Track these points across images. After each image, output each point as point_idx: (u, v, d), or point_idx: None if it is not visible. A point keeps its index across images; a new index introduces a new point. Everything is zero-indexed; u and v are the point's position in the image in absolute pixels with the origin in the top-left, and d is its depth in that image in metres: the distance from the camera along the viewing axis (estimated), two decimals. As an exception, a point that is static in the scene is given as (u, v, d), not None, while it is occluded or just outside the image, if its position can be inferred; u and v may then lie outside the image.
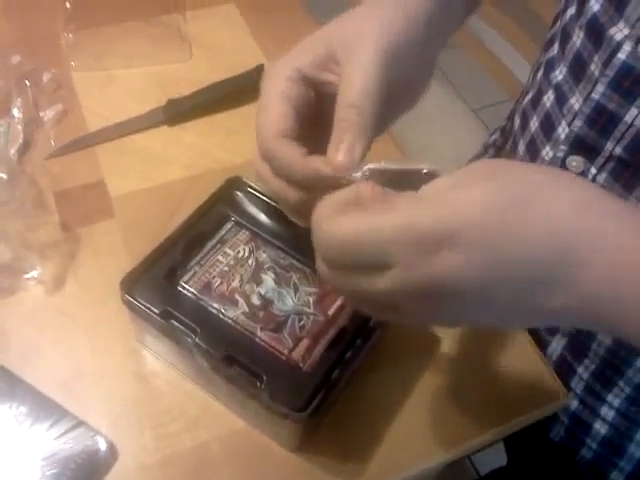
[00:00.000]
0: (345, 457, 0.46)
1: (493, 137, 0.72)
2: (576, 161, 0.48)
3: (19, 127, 0.61)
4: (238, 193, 0.52)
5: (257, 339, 0.44)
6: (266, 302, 0.46)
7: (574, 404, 0.55)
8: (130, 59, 0.69)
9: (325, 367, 0.43)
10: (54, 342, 0.49)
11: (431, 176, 0.34)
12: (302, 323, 0.45)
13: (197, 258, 0.47)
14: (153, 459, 0.45)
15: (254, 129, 0.40)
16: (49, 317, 0.50)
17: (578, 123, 0.47)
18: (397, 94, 0.39)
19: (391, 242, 0.30)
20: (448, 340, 0.52)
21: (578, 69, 0.48)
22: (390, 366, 0.50)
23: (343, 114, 0.36)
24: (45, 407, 0.45)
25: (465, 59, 0.93)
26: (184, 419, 0.46)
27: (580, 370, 0.53)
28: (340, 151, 0.36)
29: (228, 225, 0.50)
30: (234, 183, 0.52)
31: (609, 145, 0.45)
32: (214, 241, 0.49)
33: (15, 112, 0.62)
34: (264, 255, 0.48)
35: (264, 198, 0.51)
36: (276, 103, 0.37)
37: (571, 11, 0.50)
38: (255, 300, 0.46)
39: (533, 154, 0.54)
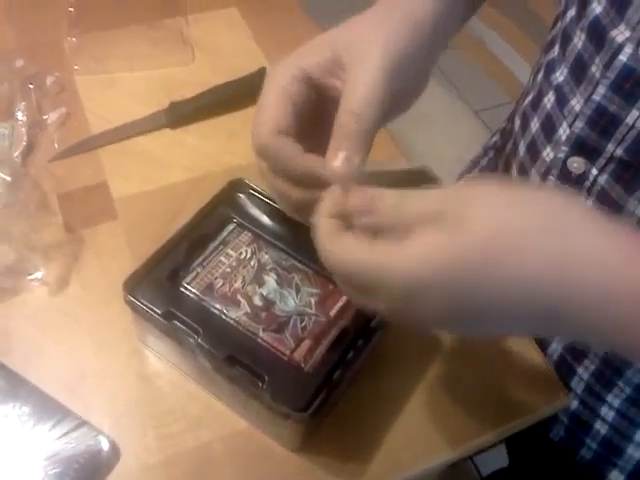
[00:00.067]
0: (346, 457, 0.46)
1: (493, 139, 0.72)
2: (577, 162, 0.49)
3: (23, 130, 0.61)
4: (240, 195, 0.52)
5: (259, 340, 0.44)
6: (268, 303, 0.46)
7: (574, 404, 0.55)
8: (133, 62, 0.70)
9: (327, 367, 0.44)
10: (57, 342, 0.50)
11: (422, 174, 0.35)
12: (304, 324, 0.45)
13: (199, 259, 0.48)
14: (155, 459, 0.45)
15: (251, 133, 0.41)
16: (52, 318, 0.51)
17: (579, 124, 0.47)
18: (397, 99, 0.39)
19: (372, 283, 0.32)
20: (449, 341, 0.52)
21: (579, 71, 0.48)
22: (391, 366, 0.50)
23: (344, 120, 0.37)
24: (48, 407, 0.45)
25: (467, 61, 0.94)
26: (186, 419, 0.47)
27: (580, 370, 0.53)
28: (338, 158, 0.36)
29: (230, 227, 0.50)
30: (236, 185, 0.52)
31: (610, 146, 0.46)
32: (216, 242, 0.49)
33: (19, 115, 0.62)
34: (266, 256, 0.48)
35: (266, 200, 0.51)
36: (275, 100, 0.38)
37: (571, 13, 0.50)
38: (257, 301, 0.46)
39: (533, 155, 0.54)
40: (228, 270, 0.47)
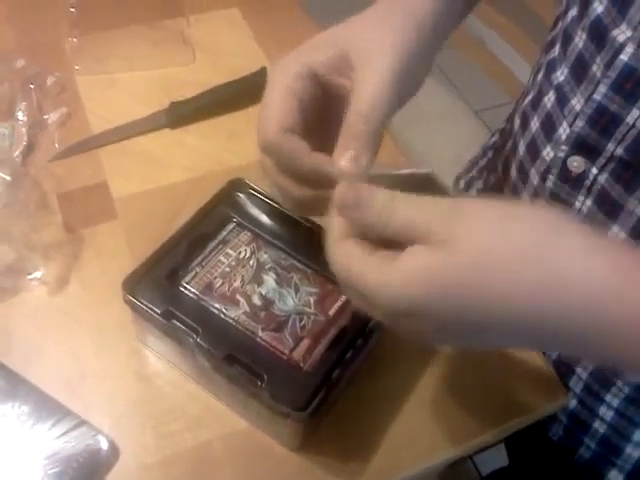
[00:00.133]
0: (346, 457, 0.46)
1: (492, 139, 0.72)
2: (577, 161, 0.49)
3: (23, 130, 0.62)
4: (240, 195, 0.52)
5: (258, 339, 0.44)
6: (267, 302, 0.46)
7: (573, 404, 0.55)
8: (133, 62, 0.70)
9: (326, 367, 0.44)
10: (57, 342, 0.50)
11: (427, 179, 0.35)
12: (303, 323, 0.45)
13: (199, 259, 0.48)
14: (155, 458, 0.45)
15: (256, 131, 0.40)
16: (52, 317, 0.51)
17: (580, 123, 0.47)
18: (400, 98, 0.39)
19: (367, 297, 0.33)
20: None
21: (580, 70, 0.48)
22: (391, 366, 0.50)
23: (353, 121, 0.37)
24: (47, 406, 0.45)
25: (467, 61, 0.94)
26: (186, 419, 0.47)
27: (579, 370, 0.53)
28: (346, 157, 0.36)
29: (230, 226, 0.50)
30: (236, 185, 0.52)
31: (610, 146, 0.46)
32: (216, 242, 0.49)
33: (19, 115, 0.62)
34: (265, 256, 0.48)
35: (265, 200, 0.51)
36: (281, 97, 0.38)
37: (572, 13, 0.50)
38: (256, 300, 0.46)
39: (533, 155, 0.54)
40: (227, 269, 0.47)
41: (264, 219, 0.51)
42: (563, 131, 0.50)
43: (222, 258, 0.48)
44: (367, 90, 0.37)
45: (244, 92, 0.67)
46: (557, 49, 0.53)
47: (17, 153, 0.60)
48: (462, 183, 0.75)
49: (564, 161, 0.49)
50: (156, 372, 0.49)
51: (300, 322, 0.45)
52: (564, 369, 0.54)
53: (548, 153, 0.52)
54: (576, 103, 0.48)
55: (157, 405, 0.47)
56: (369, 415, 0.48)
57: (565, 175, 0.50)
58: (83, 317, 0.51)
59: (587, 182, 0.49)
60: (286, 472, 0.45)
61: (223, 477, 0.45)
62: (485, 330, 0.32)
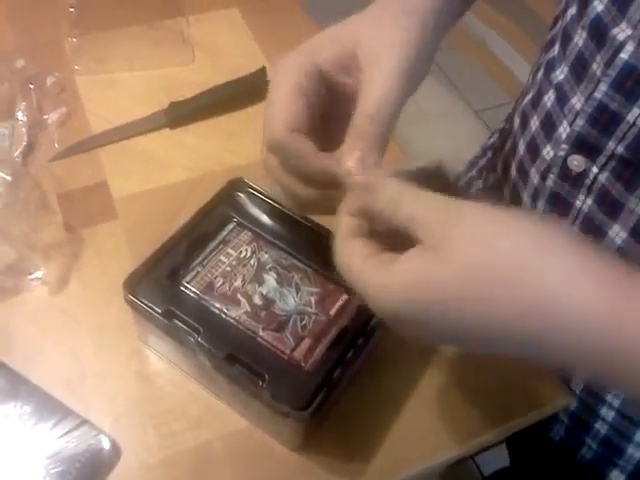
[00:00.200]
0: (347, 456, 0.46)
1: (492, 140, 0.72)
2: (577, 160, 0.49)
3: (23, 130, 0.61)
4: (240, 194, 0.52)
5: (259, 339, 0.44)
6: (268, 302, 0.46)
7: (574, 404, 0.55)
8: (133, 62, 0.70)
9: (327, 366, 0.44)
10: (58, 342, 0.50)
11: (438, 172, 0.35)
12: (304, 323, 0.45)
13: (199, 258, 0.48)
14: (156, 458, 0.45)
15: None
16: (53, 317, 0.51)
17: (580, 122, 0.47)
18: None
19: (366, 298, 0.33)
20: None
21: (580, 69, 0.48)
22: (392, 366, 0.50)
23: (360, 122, 0.37)
24: (49, 406, 0.45)
25: (467, 60, 0.94)
26: (187, 418, 0.47)
27: (580, 370, 0.53)
28: (353, 158, 0.36)
29: (230, 226, 0.50)
30: (236, 185, 0.52)
31: (611, 144, 0.46)
32: (216, 242, 0.49)
33: (19, 115, 0.62)
34: (266, 255, 0.48)
35: (266, 199, 0.51)
36: (288, 94, 0.37)
37: (572, 12, 0.50)
38: (257, 300, 0.46)
39: (533, 154, 0.54)
40: (228, 269, 0.47)
41: (264, 219, 0.51)
42: (563, 130, 0.50)
43: (223, 258, 0.48)
44: (375, 91, 0.37)
45: (244, 92, 0.67)
46: (557, 48, 0.53)
47: (17, 153, 0.60)
48: (462, 183, 0.75)
49: (564, 160, 0.50)
50: (157, 372, 0.49)
51: (301, 322, 0.45)
52: (565, 369, 0.54)
53: (548, 152, 0.52)
54: (576, 102, 0.48)
55: (158, 405, 0.47)
56: (370, 415, 0.48)
57: (565, 174, 0.50)
58: (84, 317, 0.51)
59: (587, 181, 0.49)
60: (287, 472, 0.45)
61: (224, 477, 0.45)
62: (470, 340, 0.32)
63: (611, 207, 0.48)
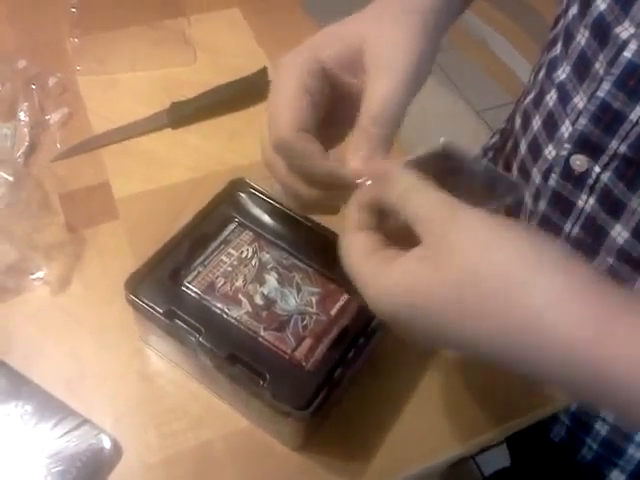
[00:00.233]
0: (348, 456, 0.46)
1: (492, 140, 0.72)
2: (580, 160, 0.49)
3: (25, 130, 0.62)
4: (241, 194, 0.52)
5: (260, 338, 0.44)
6: (269, 302, 0.46)
7: (575, 404, 0.55)
8: (135, 63, 0.70)
9: (327, 366, 0.44)
10: (59, 342, 0.50)
11: (444, 152, 0.35)
12: (305, 323, 0.45)
13: (201, 258, 0.48)
14: (157, 457, 0.45)
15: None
16: (54, 317, 0.51)
17: (583, 121, 0.47)
18: None
19: (363, 295, 0.34)
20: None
21: (582, 68, 0.48)
22: (392, 366, 0.50)
23: (365, 124, 0.37)
24: (50, 406, 0.45)
25: (468, 60, 0.94)
26: (188, 418, 0.47)
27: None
28: (359, 159, 0.36)
29: (231, 226, 0.50)
30: (237, 185, 0.52)
31: (614, 143, 0.45)
32: (218, 242, 0.49)
33: (21, 115, 0.62)
34: (267, 255, 0.49)
35: (267, 199, 0.51)
36: (295, 95, 0.37)
37: (573, 11, 0.50)
38: (258, 300, 0.46)
39: (535, 154, 0.54)
40: (229, 269, 0.47)
41: (266, 219, 0.51)
42: (565, 129, 0.50)
43: (224, 258, 0.48)
44: (379, 92, 0.37)
45: (245, 92, 0.67)
46: (559, 47, 0.53)
47: (19, 153, 0.60)
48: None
49: (567, 160, 0.49)
50: (158, 371, 0.49)
51: (302, 322, 0.45)
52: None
53: (550, 152, 0.52)
54: (579, 101, 0.48)
55: (159, 404, 0.47)
56: (371, 415, 0.48)
57: (568, 174, 0.50)
58: (85, 317, 0.51)
59: (590, 180, 0.48)
60: (288, 471, 0.45)
61: (225, 476, 0.45)
62: (462, 348, 0.33)
63: (613, 207, 0.48)
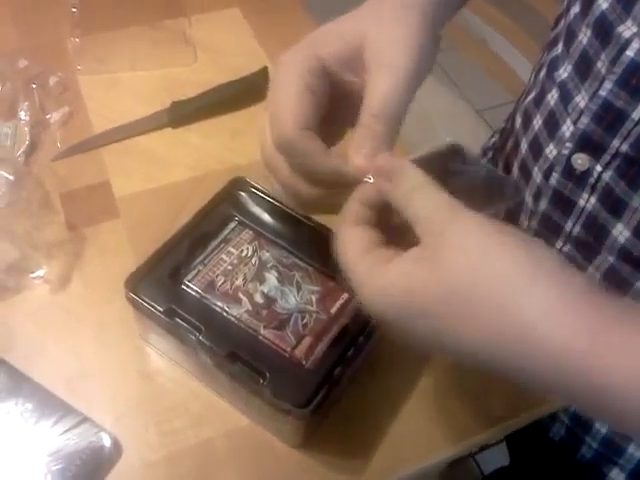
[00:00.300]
0: (348, 454, 0.46)
1: (492, 140, 0.72)
2: (581, 159, 0.49)
3: (26, 129, 0.62)
4: (242, 193, 0.52)
5: (260, 337, 0.44)
6: (269, 300, 0.46)
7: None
8: (135, 62, 0.70)
9: (327, 364, 0.44)
10: (59, 340, 0.50)
11: (455, 151, 0.35)
12: (305, 321, 0.45)
13: (201, 257, 0.48)
14: (157, 455, 0.45)
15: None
16: (54, 315, 0.51)
17: (584, 120, 0.47)
18: None
19: (356, 292, 0.34)
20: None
21: (584, 67, 0.48)
22: (392, 364, 0.50)
23: (368, 122, 0.37)
24: (50, 404, 0.45)
25: (468, 60, 0.94)
26: (188, 416, 0.47)
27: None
28: (362, 156, 0.36)
29: (232, 225, 0.50)
30: (238, 183, 0.53)
31: (615, 142, 0.45)
32: (218, 240, 0.49)
33: (22, 114, 0.63)
34: (267, 254, 0.49)
35: (267, 198, 0.52)
36: (296, 93, 0.37)
37: (575, 10, 0.50)
38: (258, 298, 0.46)
39: (536, 153, 0.54)
40: (229, 268, 0.48)
41: (266, 217, 0.51)
42: (567, 128, 0.50)
43: (224, 256, 0.48)
44: (381, 89, 0.37)
45: (246, 91, 0.67)
46: (560, 47, 0.53)
47: (20, 152, 0.60)
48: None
49: (568, 159, 0.49)
50: (158, 370, 0.49)
51: (302, 320, 0.45)
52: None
53: (551, 151, 0.52)
54: (580, 100, 0.48)
55: (159, 403, 0.47)
56: (371, 413, 0.48)
57: (569, 173, 0.50)
58: (85, 315, 0.51)
59: (591, 179, 0.48)
60: (288, 469, 0.45)
61: (225, 474, 0.45)
62: (455, 353, 0.32)
63: (615, 206, 0.48)
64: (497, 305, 0.29)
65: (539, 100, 0.55)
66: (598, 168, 0.48)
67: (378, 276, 0.32)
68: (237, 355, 0.43)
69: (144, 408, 0.47)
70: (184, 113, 0.66)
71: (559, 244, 0.54)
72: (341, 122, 0.39)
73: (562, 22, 0.54)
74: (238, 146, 0.64)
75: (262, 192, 0.52)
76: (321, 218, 0.50)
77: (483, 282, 0.30)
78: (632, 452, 0.53)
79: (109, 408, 0.46)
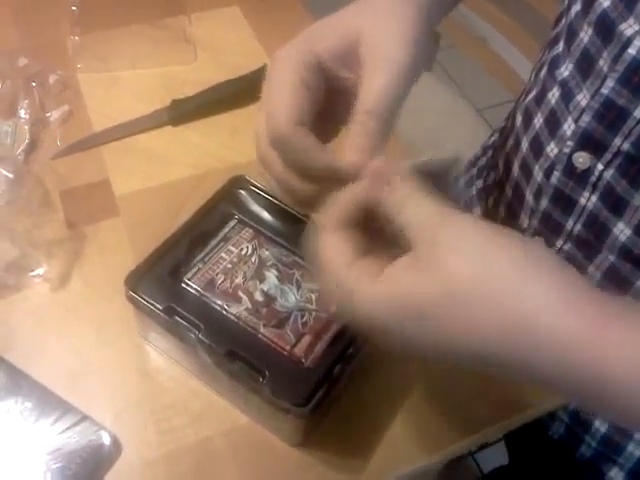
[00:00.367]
0: (347, 453, 0.46)
1: (492, 139, 0.72)
2: (582, 157, 0.48)
3: (26, 127, 0.62)
4: (241, 192, 0.52)
5: (260, 335, 0.44)
6: (269, 299, 0.46)
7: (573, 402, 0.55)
8: (135, 61, 0.70)
9: (327, 363, 0.44)
10: (59, 338, 0.50)
11: (451, 164, 0.35)
12: (304, 319, 0.45)
13: (201, 255, 0.48)
14: (156, 454, 0.45)
15: (265, 121, 0.40)
16: (54, 314, 0.51)
17: (586, 118, 0.47)
18: None
19: (346, 307, 0.33)
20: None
21: (586, 65, 0.48)
22: (392, 363, 0.50)
23: (362, 118, 0.36)
24: (50, 402, 0.45)
25: (468, 58, 0.94)
26: (187, 414, 0.47)
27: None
28: (355, 152, 0.36)
29: (231, 223, 0.50)
30: (237, 182, 0.53)
31: (617, 140, 0.45)
32: (218, 239, 0.49)
33: (22, 113, 0.63)
34: (267, 252, 0.49)
35: (267, 196, 0.52)
36: (293, 89, 0.37)
37: (576, 8, 0.50)
38: (258, 297, 0.46)
39: (537, 151, 0.54)
40: (229, 266, 0.48)
41: (266, 216, 0.51)
42: (568, 127, 0.50)
43: (224, 255, 0.48)
44: (377, 86, 0.36)
45: (245, 90, 0.67)
46: (561, 45, 0.53)
47: (19, 151, 0.60)
48: (461, 182, 0.75)
49: (569, 157, 0.49)
50: (158, 368, 0.49)
51: (302, 318, 0.45)
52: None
53: (552, 149, 0.52)
54: (582, 98, 0.48)
55: (159, 401, 0.47)
56: (370, 411, 0.48)
57: (570, 171, 0.50)
58: (85, 313, 0.51)
59: (592, 178, 0.48)
60: (287, 468, 0.45)
61: (224, 472, 0.45)
62: (453, 357, 0.32)
63: (616, 204, 0.48)
64: (497, 305, 0.29)
65: (540, 99, 0.55)
66: (599, 166, 0.48)
67: (371, 287, 0.31)
68: (236, 353, 0.43)
69: (143, 406, 0.47)
70: (184, 111, 0.66)
71: (560, 243, 0.54)
72: (336, 119, 0.39)
73: (563, 21, 0.54)
74: (238, 144, 0.64)
75: (262, 190, 0.52)
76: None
77: (481, 284, 0.29)
78: (631, 451, 0.53)
79: (109, 406, 0.46)
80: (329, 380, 0.43)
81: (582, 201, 0.50)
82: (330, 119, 0.39)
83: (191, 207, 0.51)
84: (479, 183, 0.70)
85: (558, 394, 0.50)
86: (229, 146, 0.64)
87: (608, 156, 0.47)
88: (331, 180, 0.36)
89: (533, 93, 0.57)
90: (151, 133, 0.65)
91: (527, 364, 0.30)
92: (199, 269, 0.47)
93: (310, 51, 0.38)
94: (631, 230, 0.47)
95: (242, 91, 0.67)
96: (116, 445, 0.44)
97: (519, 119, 0.59)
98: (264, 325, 0.45)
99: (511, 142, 0.60)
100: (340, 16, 0.40)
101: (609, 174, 0.47)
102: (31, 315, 0.51)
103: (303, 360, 0.44)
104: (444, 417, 0.48)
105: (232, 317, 0.45)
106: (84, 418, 0.45)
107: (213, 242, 0.49)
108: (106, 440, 0.44)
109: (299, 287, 0.47)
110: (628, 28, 0.43)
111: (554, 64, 0.53)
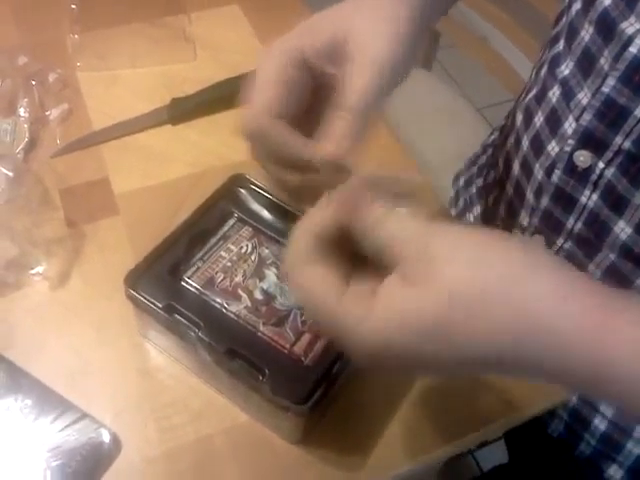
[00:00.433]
0: (347, 450, 0.46)
1: (492, 137, 0.72)
2: (584, 156, 0.49)
3: (25, 126, 0.62)
4: (241, 190, 0.52)
5: (259, 333, 0.44)
6: (268, 297, 0.46)
7: (573, 400, 0.55)
8: (135, 59, 0.70)
9: (326, 361, 0.44)
10: (59, 336, 0.50)
11: (419, 186, 0.35)
12: (304, 318, 0.45)
13: (200, 254, 0.48)
14: (156, 451, 0.45)
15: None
16: (54, 312, 0.51)
17: (587, 117, 0.47)
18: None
19: (332, 332, 0.32)
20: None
21: (587, 64, 0.48)
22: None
23: (341, 114, 0.37)
24: (50, 400, 0.45)
25: (468, 57, 0.94)
26: (187, 412, 0.47)
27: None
28: (332, 143, 0.36)
29: (231, 221, 0.50)
30: (237, 180, 0.53)
31: (618, 139, 0.45)
32: (217, 237, 0.49)
33: (21, 111, 0.63)
34: (267, 251, 0.49)
35: (266, 195, 0.52)
36: (276, 85, 0.37)
37: (577, 6, 0.50)
38: (258, 295, 0.46)
39: (538, 150, 0.54)
40: (229, 264, 0.48)
41: (265, 214, 0.51)
42: (569, 125, 0.50)
43: (223, 253, 0.48)
44: (360, 85, 0.37)
45: (245, 88, 0.67)
46: (561, 44, 0.53)
47: (19, 149, 0.60)
48: (462, 181, 0.75)
49: (570, 155, 0.49)
50: (158, 366, 0.49)
51: (301, 317, 0.45)
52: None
53: (553, 148, 0.52)
54: (583, 97, 0.48)
55: (159, 399, 0.47)
56: (370, 410, 0.48)
57: (571, 170, 0.50)
58: (85, 312, 0.51)
59: (593, 176, 0.48)
60: (287, 465, 0.45)
61: (224, 470, 0.45)
62: (463, 366, 0.31)
63: (617, 203, 0.48)
64: (497, 305, 0.29)
65: (540, 97, 0.55)
66: (600, 165, 0.48)
67: (368, 317, 0.30)
68: (236, 351, 0.43)
69: (143, 404, 0.47)
70: (184, 110, 0.66)
71: (560, 241, 0.54)
72: (323, 114, 0.39)
73: (564, 19, 0.54)
74: (237, 143, 0.62)
75: (261, 189, 0.52)
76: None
77: (483, 289, 0.29)
78: (630, 449, 0.53)
79: (108, 404, 0.47)
80: (328, 378, 0.43)
81: (583, 200, 0.50)
82: (316, 116, 0.39)
83: (190, 205, 0.51)
84: (479, 181, 0.70)
85: (558, 389, 0.50)
86: (228, 144, 0.64)
87: (609, 155, 0.47)
88: (312, 169, 0.36)
89: (534, 92, 0.57)
90: (151, 131, 0.65)
91: (536, 363, 0.29)
92: (199, 267, 0.47)
93: (297, 48, 0.38)
94: (632, 229, 0.47)
95: (242, 90, 0.67)
96: (116, 443, 0.44)
97: (519, 118, 0.59)
98: (264, 323, 0.45)
99: (511, 141, 0.60)
100: (331, 13, 0.40)
101: (610, 173, 0.47)
102: (31, 313, 0.51)
103: (303, 358, 0.44)
104: (443, 415, 0.48)
105: (232, 315, 0.45)
106: (84, 416, 0.45)
107: (213, 240, 0.49)
108: (106, 438, 0.44)
109: (299, 285, 0.47)
110: (629, 27, 0.43)
111: (555, 63, 0.53)
